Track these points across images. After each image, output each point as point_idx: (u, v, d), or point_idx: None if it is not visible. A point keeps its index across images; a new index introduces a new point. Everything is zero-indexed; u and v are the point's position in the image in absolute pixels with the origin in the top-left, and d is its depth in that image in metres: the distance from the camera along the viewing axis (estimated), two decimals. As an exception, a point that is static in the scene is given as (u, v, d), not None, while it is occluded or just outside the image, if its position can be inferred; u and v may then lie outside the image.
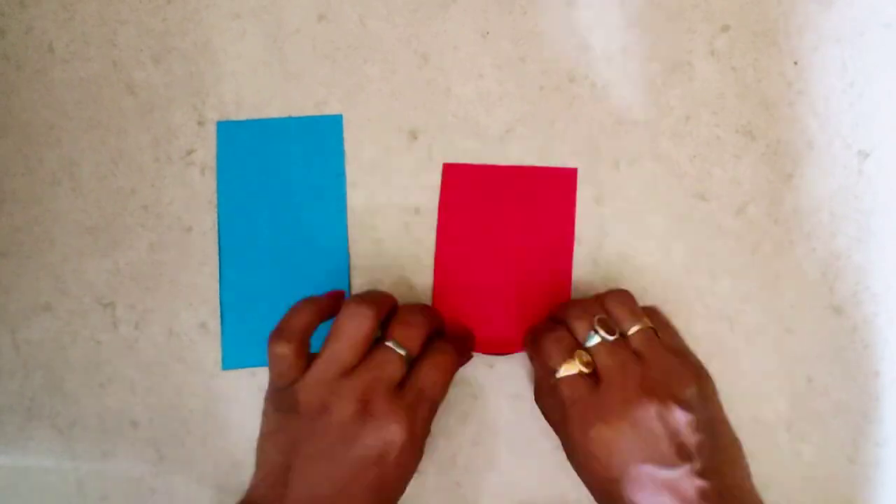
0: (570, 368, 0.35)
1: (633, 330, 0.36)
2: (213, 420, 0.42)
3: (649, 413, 0.33)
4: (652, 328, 0.37)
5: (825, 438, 0.41)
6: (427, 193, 0.42)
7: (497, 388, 0.42)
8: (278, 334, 0.35)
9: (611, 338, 0.35)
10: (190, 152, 0.43)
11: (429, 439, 0.41)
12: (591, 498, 0.41)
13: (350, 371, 0.34)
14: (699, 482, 0.32)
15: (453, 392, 0.42)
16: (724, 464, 0.34)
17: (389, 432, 0.33)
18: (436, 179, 0.43)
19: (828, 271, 0.42)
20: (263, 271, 0.43)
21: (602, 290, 0.41)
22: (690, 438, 0.33)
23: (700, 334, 0.41)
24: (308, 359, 0.35)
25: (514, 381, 0.42)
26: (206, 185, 0.43)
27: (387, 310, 0.37)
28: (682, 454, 0.33)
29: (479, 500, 0.42)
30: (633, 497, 0.33)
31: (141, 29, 0.43)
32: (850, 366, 0.41)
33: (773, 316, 0.42)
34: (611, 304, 0.37)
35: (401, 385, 0.35)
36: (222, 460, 0.42)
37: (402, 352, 0.35)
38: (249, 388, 0.42)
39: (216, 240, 0.43)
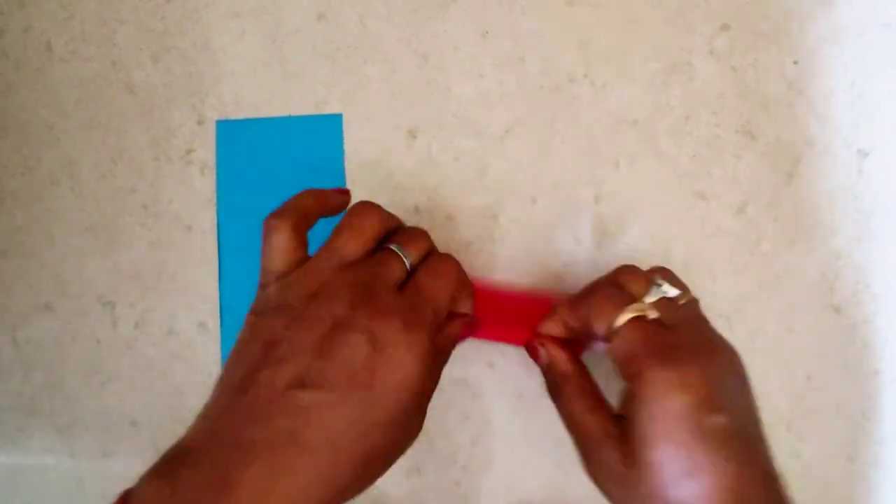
0: (630, 312, 0.32)
1: (683, 301, 0.33)
2: (213, 419, 0.42)
3: (721, 364, 0.31)
4: (697, 300, 0.34)
5: (825, 437, 0.41)
6: (427, 193, 0.42)
7: (497, 388, 0.42)
8: (275, 213, 0.32)
9: (676, 292, 0.33)
10: (189, 151, 0.43)
11: (428, 439, 0.42)
12: (591, 497, 0.41)
13: (352, 264, 0.31)
14: (760, 448, 0.30)
15: (453, 392, 0.42)
16: (760, 447, 0.31)
17: (385, 325, 0.29)
18: (436, 179, 0.43)
19: (827, 271, 0.42)
20: (263, 271, 0.43)
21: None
22: (749, 402, 0.31)
23: (700, 334, 0.41)
24: (304, 252, 0.33)
25: (514, 381, 0.42)
26: (205, 185, 0.43)
27: (393, 223, 0.35)
28: (744, 417, 0.31)
29: (479, 500, 0.42)
30: (706, 456, 0.29)
31: (140, 28, 0.43)
32: (849, 365, 0.41)
33: (773, 315, 0.42)
34: (658, 276, 0.34)
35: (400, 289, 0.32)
36: (222, 460, 0.42)
37: (404, 258, 0.32)
38: (249, 388, 0.42)
39: (216, 239, 0.43)
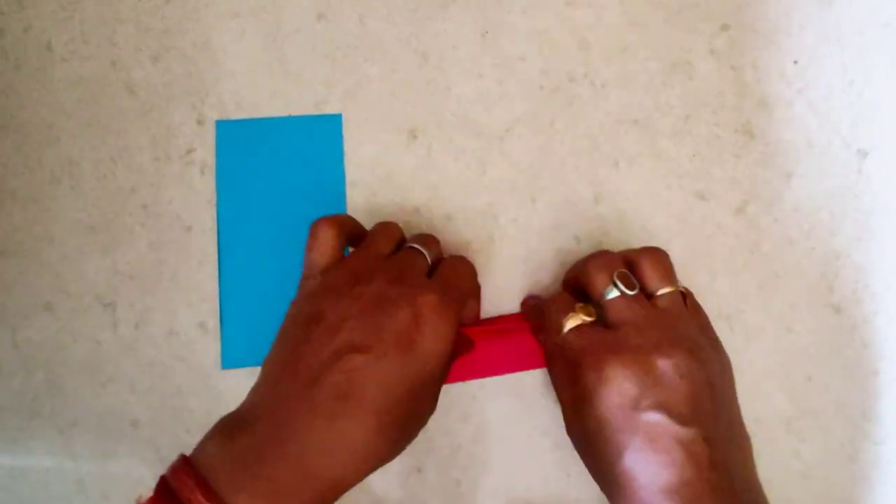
0: (574, 320, 0.35)
1: (662, 291, 0.35)
2: (213, 420, 0.42)
3: (669, 362, 0.32)
4: (682, 293, 0.35)
5: (825, 437, 0.41)
6: (427, 193, 0.42)
7: (497, 387, 0.42)
8: (323, 217, 0.37)
9: (630, 292, 0.34)
10: (189, 151, 0.43)
11: (428, 438, 0.42)
12: (591, 497, 0.41)
13: (384, 256, 0.36)
14: (711, 451, 0.30)
15: (453, 392, 0.42)
16: (734, 445, 0.32)
17: (423, 297, 0.33)
18: (436, 179, 0.43)
19: (827, 270, 0.42)
20: (263, 271, 0.43)
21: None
22: (708, 403, 0.31)
23: (699, 333, 0.41)
24: (342, 254, 0.36)
25: (513, 380, 0.42)
26: (205, 185, 0.43)
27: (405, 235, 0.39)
28: (699, 416, 0.31)
29: (479, 499, 0.42)
30: (640, 453, 0.31)
31: (140, 28, 0.43)
32: (849, 364, 0.41)
33: (773, 315, 0.42)
34: (644, 260, 0.35)
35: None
36: (222, 460, 0.42)
37: (426, 253, 0.36)
38: (249, 388, 0.42)
39: (216, 239, 0.43)
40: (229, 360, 0.42)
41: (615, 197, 0.42)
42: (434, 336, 0.33)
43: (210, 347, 0.43)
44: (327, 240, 0.36)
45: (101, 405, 0.43)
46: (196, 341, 0.43)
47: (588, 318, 0.35)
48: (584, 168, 0.42)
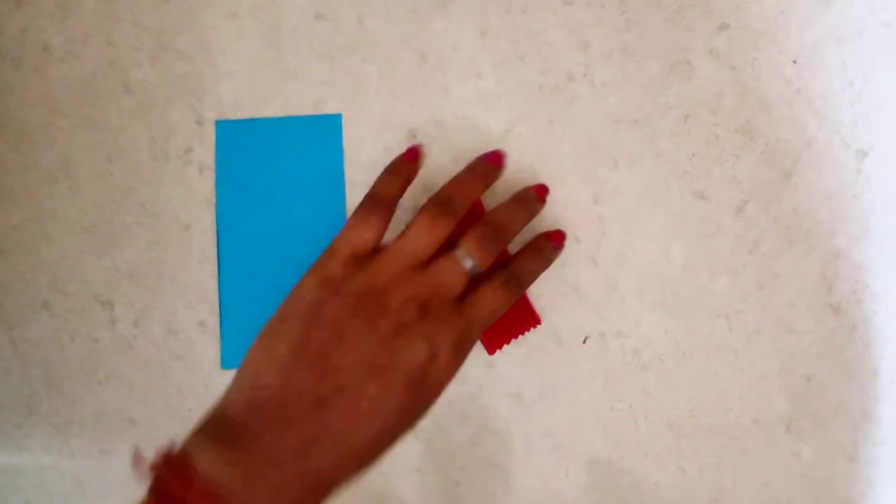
0: None
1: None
2: (212, 419, 0.42)
3: None
4: None
5: (824, 438, 0.41)
6: (427, 193, 0.42)
7: (496, 387, 0.42)
8: (371, 204, 0.36)
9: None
10: (188, 151, 0.43)
11: (428, 438, 0.42)
12: (590, 497, 0.41)
13: (418, 267, 0.35)
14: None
15: (453, 392, 0.42)
16: None
17: (441, 337, 0.34)
18: (435, 179, 0.42)
19: (827, 270, 0.42)
20: (262, 270, 0.42)
21: (601, 289, 0.41)
22: None
23: (699, 333, 0.41)
24: (380, 239, 0.36)
25: (513, 381, 0.42)
26: (204, 185, 0.43)
27: (466, 211, 0.37)
28: None
29: (478, 500, 0.42)
30: None
31: (138, 28, 0.43)
32: (849, 365, 0.41)
33: (772, 315, 0.42)
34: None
35: (460, 297, 0.35)
36: (221, 460, 0.42)
37: (468, 267, 0.35)
38: (248, 388, 0.42)
39: (215, 238, 0.43)
40: (228, 360, 0.42)
41: (615, 197, 0.42)
42: (445, 371, 0.34)
43: (209, 347, 0.42)
44: (370, 229, 0.35)
45: (99, 404, 0.43)
46: (195, 340, 0.43)
47: None
48: (583, 168, 0.42)
